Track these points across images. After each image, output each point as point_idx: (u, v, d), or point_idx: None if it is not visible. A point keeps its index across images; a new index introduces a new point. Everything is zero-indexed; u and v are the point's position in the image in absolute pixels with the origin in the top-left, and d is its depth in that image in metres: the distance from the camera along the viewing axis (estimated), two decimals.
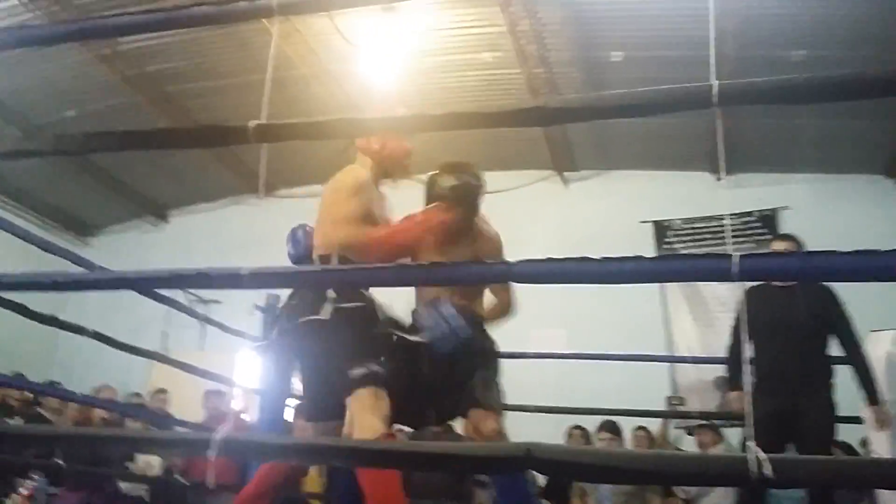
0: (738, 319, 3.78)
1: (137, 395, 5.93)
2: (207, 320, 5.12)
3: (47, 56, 6.03)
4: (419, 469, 2.37)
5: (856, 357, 3.39)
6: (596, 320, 6.38)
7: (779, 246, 3.68)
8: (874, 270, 1.53)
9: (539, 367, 5.32)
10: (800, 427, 3.25)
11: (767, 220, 6.73)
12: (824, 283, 3.50)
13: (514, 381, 4.97)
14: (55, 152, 3.03)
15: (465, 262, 1.77)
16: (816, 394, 3.34)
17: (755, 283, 3.64)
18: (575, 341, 6.14)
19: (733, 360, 3.63)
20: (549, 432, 5.24)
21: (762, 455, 1.37)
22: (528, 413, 4.83)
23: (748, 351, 3.47)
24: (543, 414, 4.88)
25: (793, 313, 3.44)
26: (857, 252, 1.51)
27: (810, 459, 1.56)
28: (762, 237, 6.66)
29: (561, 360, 5.23)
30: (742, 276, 1.60)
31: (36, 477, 4.13)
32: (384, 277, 2.02)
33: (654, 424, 5.36)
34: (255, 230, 7.59)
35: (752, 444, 1.41)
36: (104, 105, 6.75)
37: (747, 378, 3.25)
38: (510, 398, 5.10)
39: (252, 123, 1.97)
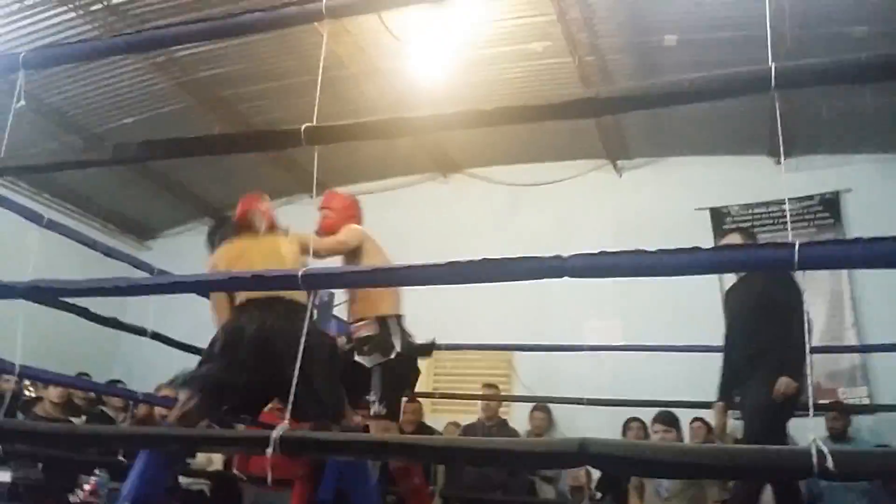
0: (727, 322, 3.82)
1: None
2: None
3: (104, 66, 6.20)
4: (474, 464, 2.37)
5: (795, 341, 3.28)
6: (651, 310, 6.29)
7: (732, 239, 3.68)
8: None
9: (595, 360, 5.27)
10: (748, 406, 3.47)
11: (829, 204, 6.51)
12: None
13: (570, 373, 4.98)
14: (115, 162, 3.10)
15: (517, 257, 1.75)
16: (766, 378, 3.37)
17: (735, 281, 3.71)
18: (630, 332, 6.07)
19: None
20: (605, 425, 5.20)
21: (824, 448, 1.34)
22: (584, 406, 4.82)
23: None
24: (600, 407, 4.85)
25: (748, 301, 3.55)
26: None
27: (871, 452, 1.51)
28: (824, 222, 6.47)
29: (616, 351, 5.18)
30: (803, 265, 1.55)
31: (98, 472, 4.26)
32: (436, 274, 2.03)
33: (712, 416, 5.26)
34: (309, 229, 7.70)
35: (813, 437, 1.38)
36: (160, 111, 6.91)
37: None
38: (566, 391, 5.10)
39: (304, 127, 2.00)
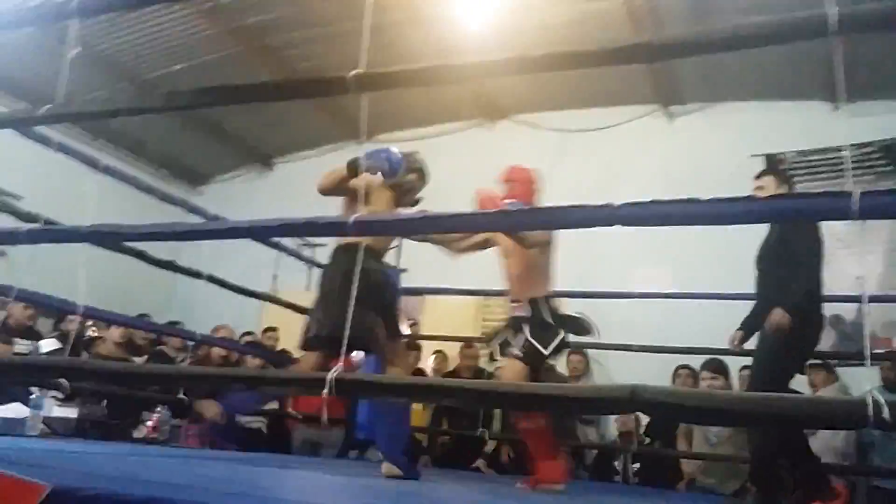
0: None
1: (249, 333, 6.23)
2: (314, 263, 5.30)
3: (153, 13, 6.25)
4: (523, 409, 2.42)
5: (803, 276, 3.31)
6: (701, 257, 6.21)
7: (765, 182, 3.56)
8: None
9: (644, 307, 5.25)
10: None
11: (889, 151, 6.29)
12: None
13: (620, 320, 4.98)
14: (167, 108, 3.16)
15: (568, 206, 1.74)
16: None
17: None
18: (680, 279, 6.02)
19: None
20: (655, 372, 5.20)
21: (880, 398, 1.33)
22: (634, 353, 4.83)
23: None
24: (650, 354, 4.86)
25: (764, 243, 3.53)
26: None
27: None
28: (883, 169, 6.27)
29: (666, 299, 5.14)
30: (862, 214, 1.52)
31: (160, 409, 4.44)
32: (488, 223, 2.04)
33: None
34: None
35: (871, 388, 1.37)
36: (208, 58, 6.97)
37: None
38: (616, 337, 5.11)
39: (351, 74, 2.00)
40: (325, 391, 1.79)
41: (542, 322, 3.39)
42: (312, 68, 7.06)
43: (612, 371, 6.15)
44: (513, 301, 3.57)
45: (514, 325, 3.47)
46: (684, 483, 4.78)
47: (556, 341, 3.38)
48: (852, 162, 6.35)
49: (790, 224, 3.33)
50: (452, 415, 5.57)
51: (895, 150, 6.28)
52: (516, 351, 3.34)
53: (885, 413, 1.32)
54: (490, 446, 5.39)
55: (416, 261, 5.38)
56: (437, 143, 8.05)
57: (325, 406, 1.71)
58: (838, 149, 6.32)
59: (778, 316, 3.25)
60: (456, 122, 8.15)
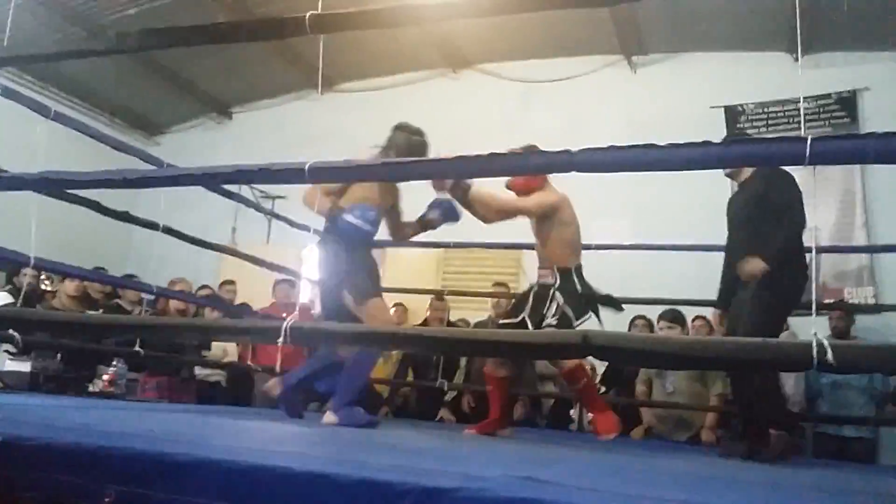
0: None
1: (205, 286, 6.14)
2: (273, 215, 5.23)
3: None
4: (480, 356, 2.42)
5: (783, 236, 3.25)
6: (660, 209, 6.28)
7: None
8: None
9: (602, 259, 5.29)
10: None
11: (846, 103, 6.35)
12: (778, 169, 3.34)
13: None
14: (116, 51, 3.05)
15: (524, 152, 1.73)
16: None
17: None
18: (640, 231, 6.08)
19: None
20: (612, 324, 5.26)
21: (825, 341, 1.37)
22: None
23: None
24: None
25: (741, 207, 3.48)
26: None
27: (871, 346, 1.54)
28: (840, 120, 6.34)
29: (624, 251, 5.18)
30: (814, 160, 1.53)
31: (116, 363, 4.39)
32: (444, 169, 2.02)
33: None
34: (316, 125, 7.62)
35: (815, 332, 1.40)
36: (164, 2, 6.73)
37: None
38: None
39: (309, 14, 1.95)
40: (281, 340, 1.78)
41: (574, 292, 3.49)
42: (268, 14, 6.87)
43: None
44: (540, 268, 3.68)
45: (542, 292, 3.54)
46: (642, 429, 4.88)
47: (587, 316, 3.49)
48: (810, 113, 6.42)
49: (770, 181, 3.33)
50: (417, 367, 5.61)
51: (853, 102, 6.35)
52: (551, 320, 3.39)
53: (829, 356, 1.35)
54: (451, 396, 5.45)
55: None
56: (401, 92, 7.96)
57: (279, 356, 1.70)
58: (797, 101, 6.38)
59: (755, 264, 3.23)
60: (419, 70, 8.04)
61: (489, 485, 1.22)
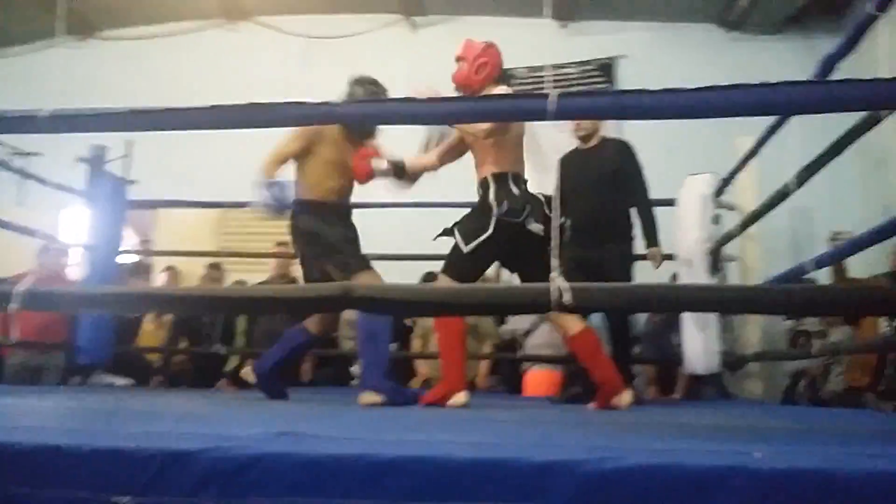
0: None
1: None
2: (25, 174, 4.74)
3: None
4: (250, 314, 2.34)
5: (644, 208, 3.79)
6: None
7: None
8: (677, 108, 1.60)
9: (385, 216, 5.34)
10: (604, 271, 3.56)
11: (606, 69, 6.86)
12: (620, 140, 3.90)
13: (363, 231, 4.99)
14: None
15: (286, 102, 1.68)
16: (615, 243, 3.72)
17: (569, 151, 3.87)
18: (419, 191, 6.20)
19: None
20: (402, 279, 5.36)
21: (564, 285, 1.47)
22: (379, 261, 4.91)
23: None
24: (395, 262, 4.97)
25: (592, 170, 3.77)
26: (662, 91, 1.57)
27: (604, 287, 1.69)
28: (601, 86, 6.83)
29: (407, 208, 5.26)
30: (558, 115, 1.63)
31: None
32: (203, 119, 1.92)
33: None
34: (75, 77, 6.97)
35: (555, 275, 1.50)
36: None
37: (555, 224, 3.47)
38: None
39: None
40: (14, 305, 1.62)
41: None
42: None
43: None
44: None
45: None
46: (419, 381, 5.04)
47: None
48: (573, 78, 6.85)
49: (620, 151, 3.79)
50: (191, 332, 5.34)
51: (611, 68, 6.86)
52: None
53: (567, 297, 1.46)
54: (233, 364, 5.25)
55: (147, 171, 4.98)
56: (175, 42, 7.48)
57: (14, 326, 1.53)
58: (563, 66, 6.80)
59: (660, 253, 3.79)
60: (195, 20, 7.58)
61: (241, 442, 1.19)
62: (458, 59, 3.32)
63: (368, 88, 3.46)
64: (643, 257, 3.84)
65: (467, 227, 3.03)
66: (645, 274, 3.96)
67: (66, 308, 2.44)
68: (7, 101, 6.86)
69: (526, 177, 3.21)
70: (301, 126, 3.13)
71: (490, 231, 2.94)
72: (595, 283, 1.72)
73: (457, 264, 3.02)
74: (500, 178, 3.04)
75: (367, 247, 3.83)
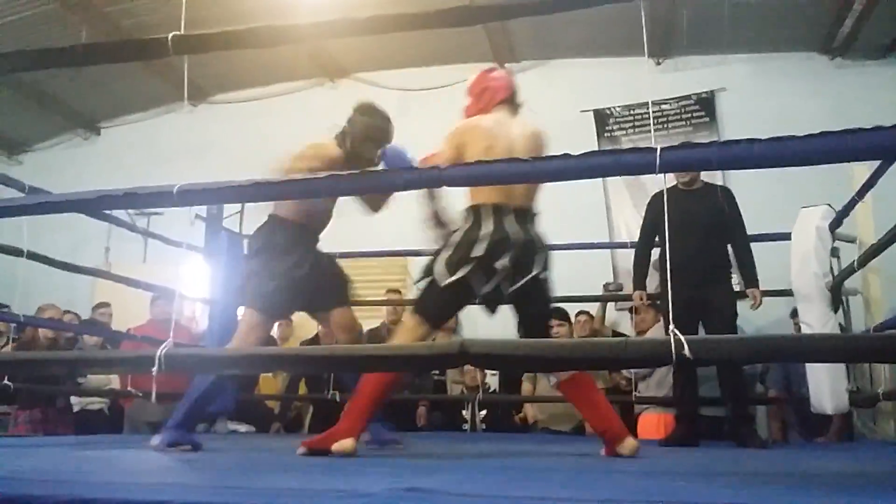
0: (644, 223, 4.14)
1: (68, 312, 5.78)
2: (148, 234, 5.06)
3: None
4: (363, 371, 2.38)
5: (746, 251, 3.95)
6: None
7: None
8: (788, 157, 1.58)
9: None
10: (708, 312, 3.71)
11: (705, 103, 6.77)
12: (724, 187, 4.14)
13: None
14: None
15: (395, 170, 1.76)
16: (720, 283, 3.83)
17: (668, 189, 3.94)
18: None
19: (638, 262, 4.10)
20: (508, 324, 5.39)
21: (682, 338, 1.47)
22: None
23: (653, 249, 4.05)
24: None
25: (698, 214, 3.82)
26: (771, 139, 1.56)
27: (722, 339, 1.67)
28: (700, 120, 6.73)
29: None
30: (664, 168, 1.65)
31: None
32: (318, 188, 2.02)
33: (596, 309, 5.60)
34: (189, 139, 7.41)
35: (672, 328, 1.50)
36: (23, 15, 6.39)
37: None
38: None
39: (171, 35, 1.91)
40: (155, 369, 1.74)
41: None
42: (136, 25, 6.64)
43: (465, 326, 6.33)
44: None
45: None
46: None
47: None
48: (672, 114, 6.79)
49: (726, 195, 3.97)
50: (309, 379, 5.52)
51: (711, 102, 6.76)
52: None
53: (687, 350, 1.45)
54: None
55: None
56: (277, 102, 7.86)
57: (154, 383, 1.66)
58: (660, 102, 6.75)
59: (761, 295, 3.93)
60: (295, 81, 7.96)
61: (375, 500, 1.24)
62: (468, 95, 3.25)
63: (370, 123, 3.42)
64: (744, 295, 3.96)
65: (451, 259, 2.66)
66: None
67: (203, 370, 2.58)
68: (127, 164, 7.37)
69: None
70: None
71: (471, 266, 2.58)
72: (714, 335, 1.70)
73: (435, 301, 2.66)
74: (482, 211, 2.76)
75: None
